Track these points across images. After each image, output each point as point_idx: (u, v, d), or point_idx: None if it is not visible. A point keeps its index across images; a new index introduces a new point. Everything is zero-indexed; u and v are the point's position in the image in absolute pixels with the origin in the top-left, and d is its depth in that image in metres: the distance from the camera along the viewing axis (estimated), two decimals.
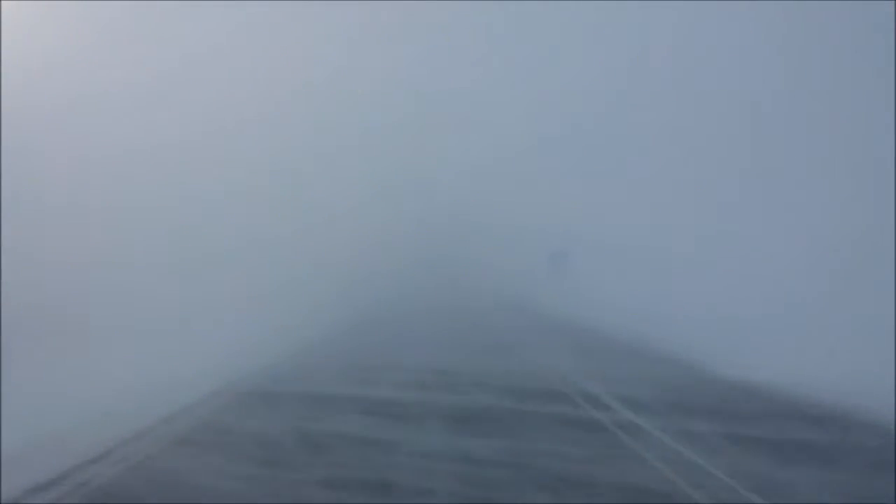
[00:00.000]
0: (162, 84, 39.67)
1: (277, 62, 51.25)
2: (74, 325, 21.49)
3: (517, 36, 60.33)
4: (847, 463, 8.53)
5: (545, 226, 55.52)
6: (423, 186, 68.07)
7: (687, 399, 12.27)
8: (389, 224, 64.58)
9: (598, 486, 7.87)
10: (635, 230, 42.35)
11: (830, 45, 33.82)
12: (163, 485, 8.25)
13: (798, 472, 8.09)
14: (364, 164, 59.73)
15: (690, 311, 24.50)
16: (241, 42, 49.68)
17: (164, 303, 28.29)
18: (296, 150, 50.42)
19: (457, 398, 12.36)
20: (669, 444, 9.42)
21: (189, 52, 43.07)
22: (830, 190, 30.98)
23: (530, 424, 10.42)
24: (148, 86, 38.74)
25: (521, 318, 33.74)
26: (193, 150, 38.82)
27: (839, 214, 29.12)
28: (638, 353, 19.21)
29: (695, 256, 33.56)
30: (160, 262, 32.89)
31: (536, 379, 14.25)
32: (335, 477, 8.27)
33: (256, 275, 40.86)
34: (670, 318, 24.80)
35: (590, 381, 13.74)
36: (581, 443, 9.58)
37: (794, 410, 11.39)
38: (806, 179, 32.55)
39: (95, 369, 16.49)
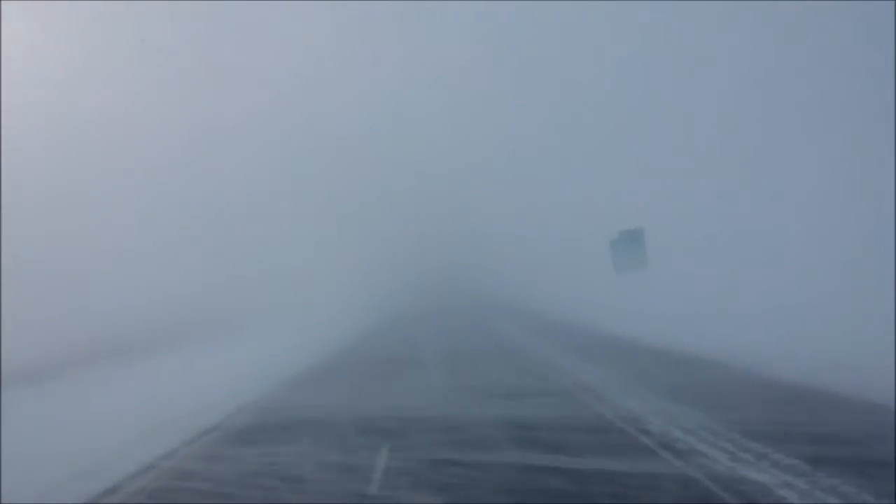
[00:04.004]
0: (162, 88, 39.63)
1: (275, 65, 51.24)
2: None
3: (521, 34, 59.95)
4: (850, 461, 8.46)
5: (550, 228, 54.30)
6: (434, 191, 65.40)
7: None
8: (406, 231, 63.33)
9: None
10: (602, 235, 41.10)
11: (830, 45, 33.82)
12: None
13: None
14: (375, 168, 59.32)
15: (690, 307, 24.45)
16: (241, 47, 49.66)
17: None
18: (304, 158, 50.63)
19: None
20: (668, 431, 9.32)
21: (189, 54, 43.08)
22: (830, 188, 30.98)
23: None
24: (148, 87, 38.71)
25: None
26: (196, 153, 38.89)
27: (839, 213, 29.13)
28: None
29: (693, 254, 33.32)
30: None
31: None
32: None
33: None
34: (670, 314, 24.79)
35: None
36: None
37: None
38: (805, 178, 32.54)
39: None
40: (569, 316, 31.73)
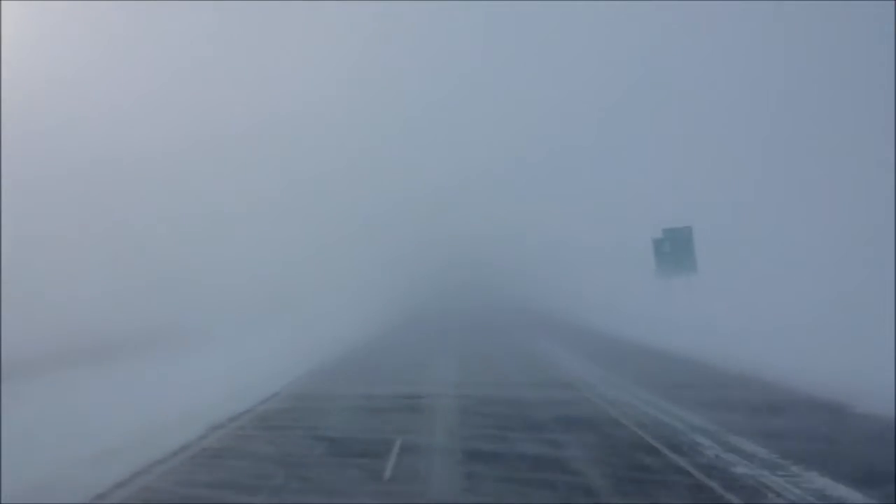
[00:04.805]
0: (166, 90, 39.53)
1: (281, 67, 51.11)
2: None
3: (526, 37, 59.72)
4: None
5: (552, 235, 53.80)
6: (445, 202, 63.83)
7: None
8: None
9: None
10: (635, 236, 40.34)
11: (830, 45, 33.80)
12: None
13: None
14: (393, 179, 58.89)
15: (695, 313, 24.36)
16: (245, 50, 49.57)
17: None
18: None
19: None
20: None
21: (190, 54, 43.01)
22: (830, 189, 30.96)
23: None
24: (151, 90, 38.61)
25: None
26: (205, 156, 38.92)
27: (839, 214, 29.10)
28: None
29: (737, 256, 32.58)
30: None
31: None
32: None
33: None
34: (674, 318, 24.73)
35: None
36: None
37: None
38: (804, 179, 32.48)
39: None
40: (612, 330, 26.86)
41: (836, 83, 33.78)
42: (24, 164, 27.19)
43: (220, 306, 32.38)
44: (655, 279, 32.32)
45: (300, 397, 17.48)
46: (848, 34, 32.97)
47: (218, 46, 44.73)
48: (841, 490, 7.73)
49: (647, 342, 21.93)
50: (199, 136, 38.77)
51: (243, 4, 47.32)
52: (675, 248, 31.78)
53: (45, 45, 34.84)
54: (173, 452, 11.90)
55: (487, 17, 56.30)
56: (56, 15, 35.86)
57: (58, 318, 23.91)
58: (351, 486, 9.31)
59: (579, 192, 51.51)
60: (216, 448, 12.21)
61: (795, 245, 28.30)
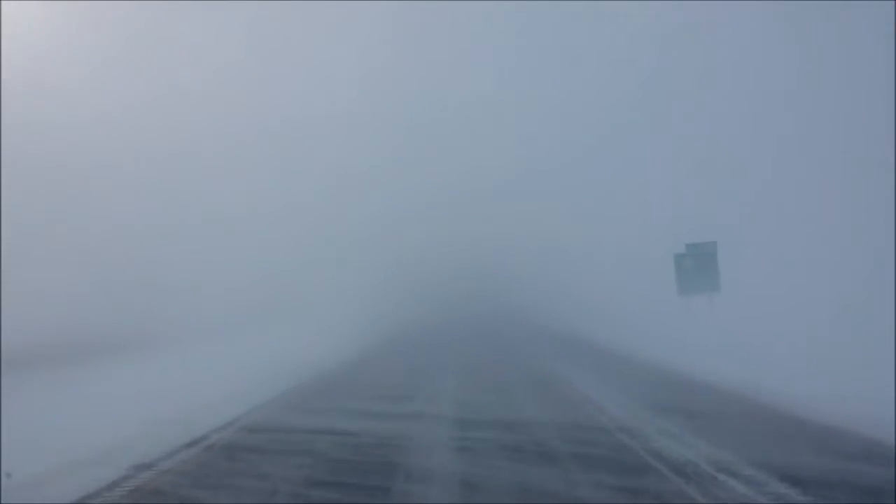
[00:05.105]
0: (168, 91, 39.56)
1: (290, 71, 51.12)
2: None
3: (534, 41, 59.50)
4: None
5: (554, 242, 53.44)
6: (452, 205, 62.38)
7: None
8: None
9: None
10: (647, 247, 37.29)
11: (830, 45, 33.85)
12: None
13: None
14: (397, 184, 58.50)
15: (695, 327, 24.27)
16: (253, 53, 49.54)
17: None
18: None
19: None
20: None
21: (190, 56, 43.03)
22: (829, 191, 31.00)
23: None
24: (153, 91, 38.65)
25: None
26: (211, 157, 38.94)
27: (839, 218, 29.12)
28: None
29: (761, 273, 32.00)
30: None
31: None
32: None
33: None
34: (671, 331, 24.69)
35: None
36: None
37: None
38: (804, 181, 32.52)
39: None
40: (637, 351, 23.55)
41: (835, 83, 33.84)
42: (24, 163, 27.23)
43: (218, 309, 32.40)
44: (676, 296, 29.81)
45: (260, 429, 13.67)
46: (848, 34, 33.02)
47: (218, 48, 44.69)
48: None
49: (683, 369, 18.24)
50: (200, 138, 38.82)
51: (245, 5, 47.36)
52: (698, 265, 29.34)
53: (45, 44, 34.90)
54: None
55: (489, 18, 56.26)
56: (56, 16, 35.92)
57: (51, 318, 23.88)
58: None
59: (586, 198, 50.44)
60: None
61: (806, 252, 27.26)
